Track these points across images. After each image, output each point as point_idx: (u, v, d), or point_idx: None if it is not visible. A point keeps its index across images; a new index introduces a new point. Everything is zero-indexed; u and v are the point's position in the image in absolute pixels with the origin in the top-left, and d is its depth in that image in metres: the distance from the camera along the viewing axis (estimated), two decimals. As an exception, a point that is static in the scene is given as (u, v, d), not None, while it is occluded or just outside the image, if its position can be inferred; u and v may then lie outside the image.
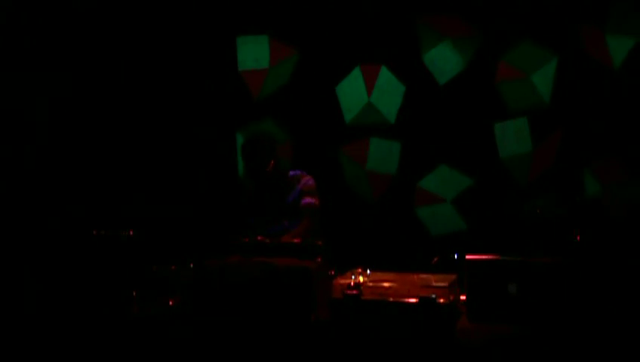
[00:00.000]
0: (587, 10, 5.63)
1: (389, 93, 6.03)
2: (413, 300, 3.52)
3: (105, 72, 6.21)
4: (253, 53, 6.19)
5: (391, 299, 3.55)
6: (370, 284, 3.71)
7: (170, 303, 3.82)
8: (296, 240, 3.89)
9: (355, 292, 3.54)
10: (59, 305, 3.86)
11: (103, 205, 5.88)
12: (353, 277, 3.69)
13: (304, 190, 4.66)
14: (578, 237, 4.06)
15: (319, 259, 3.70)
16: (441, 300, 3.50)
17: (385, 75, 6.03)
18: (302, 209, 4.60)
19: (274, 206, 4.66)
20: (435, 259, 4.06)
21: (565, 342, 3.33)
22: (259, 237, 3.89)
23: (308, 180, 4.73)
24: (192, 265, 3.94)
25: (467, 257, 3.55)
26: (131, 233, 4.17)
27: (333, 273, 3.87)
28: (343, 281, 3.68)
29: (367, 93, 6.06)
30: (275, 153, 4.75)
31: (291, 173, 4.82)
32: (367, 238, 5.98)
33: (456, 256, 3.93)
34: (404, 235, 5.97)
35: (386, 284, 3.72)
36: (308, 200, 4.61)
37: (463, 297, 3.70)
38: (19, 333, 3.81)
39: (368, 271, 3.98)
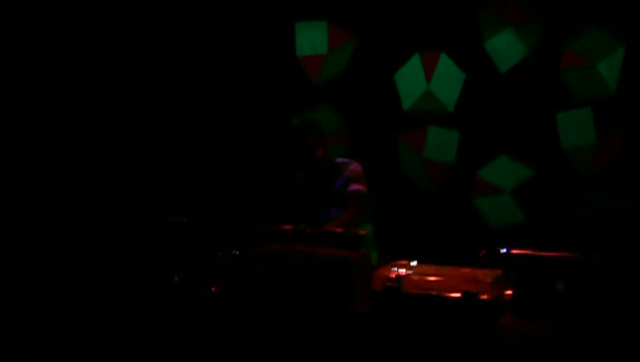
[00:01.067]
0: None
1: (448, 80, 5.92)
2: (455, 295, 3.44)
3: (166, 56, 6.26)
4: (311, 38, 6.16)
5: (432, 293, 3.47)
6: (414, 277, 3.63)
7: (213, 289, 3.82)
8: (339, 230, 3.84)
9: (395, 284, 3.47)
10: (104, 286, 3.90)
11: (157, 191, 5.95)
12: (395, 269, 3.62)
13: (351, 176, 4.61)
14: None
15: (362, 250, 3.64)
16: (484, 296, 3.40)
17: (445, 62, 5.92)
18: (348, 195, 4.56)
19: (321, 193, 4.62)
20: (483, 253, 3.95)
21: (609, 344, 3.21)
22: (302, 226, 3.84)
23: (355, 166, 4.68)
24: (236, 252, 3.94)
25: (513, 252, 3.45)
26: (182, 218, 4.19)
27: (376, 264, 3.82)
28: (385, 273, 3.61)
29: (426, 80, 5.96)
30: (323, 141, 4.70)
31: (339, 160, 4.78)
32: (423, 228, 5.90)
33: (504, 251, 3.82)
34: (462, 226, 5.87)
35: (430, 278, 3.63)
36: (355, 186, 4.56)
37: (508, 292, 3.59)
38: (65, 316, 3.87)
39: (414, 263, 3.91)
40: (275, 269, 3.62)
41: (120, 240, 4.10)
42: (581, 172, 5.65)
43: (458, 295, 3.44)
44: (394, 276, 3.52)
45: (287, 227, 3.82)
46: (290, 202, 4.71)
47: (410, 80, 5.99)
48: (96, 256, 4.05)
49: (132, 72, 6.22)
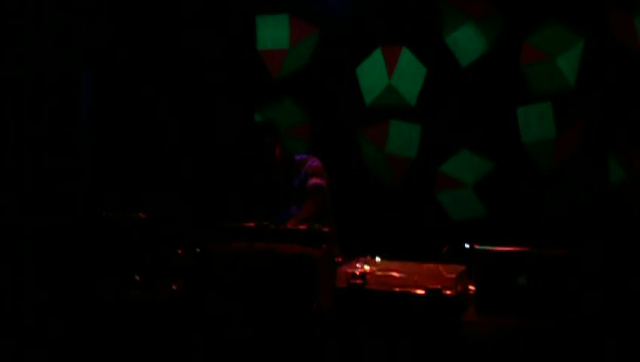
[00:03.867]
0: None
1: (410, 75, 5.92)
2: (419, 291, 3.44)
3: (118, 55, 6.18)
4: (272, 32, 6.11)
5: (396, 290, 3.47)
6: (378, 273, 3.62)
7: (174, 287, 3.77)
8: (302, 227, 3.81)
9: (359, 281, 3.46)
10: (61, 287, 3.83)
11: (115, 188, 5.87)
12: (359, 265, 3.61)
13: (309, 172, 4.62)
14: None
15: (325, 246, 3.62)
16: (448, 292, 3.41)
17: (406, 56, 5.92)
18: (308, 190, 4.56)
19: (281, 192, 4.60)
20: (446, 249, 3.96)
21: (575, 336, 3.23)
22: (265, 223, 3.81)
23: (313, 162, 4.68)
24: (197, 250, 3.89)
25: (476, 247, 3.45)
26: (142, 215, 4.13)
27: (340, 260, 3.80)
28: (349, 270, 3.60)
29: (387, 74, 5.95)
30: (280, 140, 4.72)
31: (297, 157, 4.78)
32: (385, 223, 5.90)
33: (467, 246, 3.83)
34: (425, 220, 5.88)
35: (394, 274, 3.63)
36: (313, 180, 4.57)
37: (472, 288, 3.61)
38: (20, 316, 3.80)
39: (378, 259, 3.91)
40: (238, 267, 3.58)
41: (78, 238, 4.04)
42: (541, 165, 5.69)
43: (422, 291, 3.44)
44: (358, 273, 3.51)
45: (250, 224, 3.78)
46: (253, 201, 4.69)
47: (372, 74, 5.98)
48: (53, 254, 3.98)
49: (92, 62, 6.13)
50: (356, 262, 3.72)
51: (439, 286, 3.44)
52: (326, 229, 3.73)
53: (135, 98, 6.19)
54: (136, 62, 6.20)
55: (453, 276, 3.53)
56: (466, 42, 5.80)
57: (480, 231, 5.68)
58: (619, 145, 5.52)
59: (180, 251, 3.97)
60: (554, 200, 5.62)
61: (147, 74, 6.19)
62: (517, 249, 3.41)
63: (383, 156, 5.98)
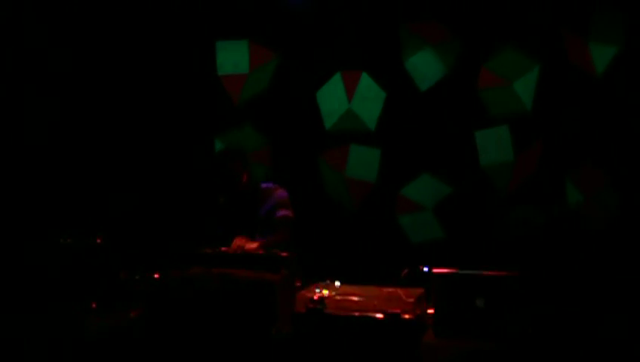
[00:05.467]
0: (570, 17, 5.55)
1: (369, 99, 5.96)
2: (378, 315, 3.43)
3: (83, 74, 6.14)
4: (232, 57, 6.12)
5: (356, 314, 3.46)
6: (338, 298, 3.62)
7: (132, 314, 3.73)
8: (260, 252, 3.80)
9: (318, 306, 3.45)
10: (18, 314, 3.77)
11: (73, 210, 5.81)
12: (318, 290, 3.60)
13: (278, 202, 4.58)
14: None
15: (283, 271, 3.60)
16: (407, 316, 3.41)
17: (366, 81, 5.96)
18: (277, 221, 4.52)
19: (246, 219, 4.57)
20: (405, 272, 3.97)
21: (531, 358, 3.24)
22: (222, 248, 3.79)
23: (281, 193, 4.65)
24: (156, 275, 3.86)
25: (433, 271, 3.46)
26: (99, 240, 4.08)
27: (299, 285, 3.79)
28: (308, 294, 3.59)
29: (347, 99, 5.98)
30: (248, 167, 4.69)
31: (263, 185, 4.74)
32: (345, 247, 5.90)
33: (426, 269, 3.84)
34: (384, 244, 5.89)
35: (353, 298, 3.63)
36: (282, 212, 4.53)
37: (430, 311, 3.61)
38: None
39: (337, 284, 3.91)
40: (195, 292, 3.55)
41: (31, 263, 3.98)
42: (500, 188, 5.74)
43: (381, 315, 3.43)
44: (317, 297, 3.50)
45: (207, 250, 3.76)
46: (214, 226, 4.65)
47: (331, 99, 6.02)
48: (10, 281, 3.92)
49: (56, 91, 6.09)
50: (315, 287, 3.71)
51: (398, 311, 3.44)
52: (284, 254, 3.72)
53: (95, 121, 6.14)
54: (96, 86, 6.15)
55: (412, 299, 3.54)
56: (425, 67, 5.86)
57: (439, 254, 5.72)
58: (575, 167, 5.59)
59: (137, 277, 3.93)
60: (512, 222, 5.67)
61: (108, 98, 6.15)
62: (474, 272, 3.43)
63: (343, 180, 5.99)
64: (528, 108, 5.69)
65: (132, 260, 4.14)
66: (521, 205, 5.64)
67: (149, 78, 6.17)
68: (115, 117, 6.15)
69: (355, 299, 3.60)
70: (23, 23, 5.92)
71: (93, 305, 3.78)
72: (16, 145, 5.89)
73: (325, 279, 3.94)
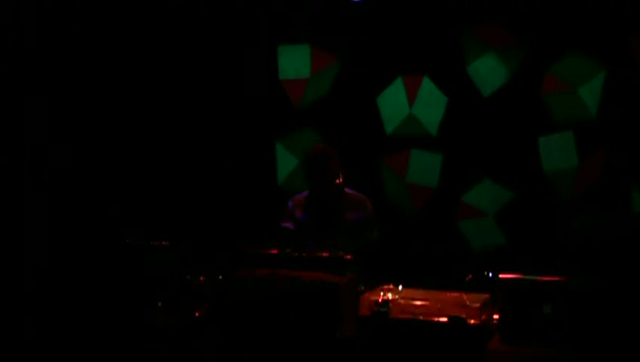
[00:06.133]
0: (636, 21, 5.46)
1: (431, 104, 5.93)
2: (443, 320, 3.42)
3: (145, 83, 6.23)
4: (294, 62, 6.16)
5: (420, 318, 3.45)
6: (401, 301, 3.61)
7: (197, 314, 3.77)
8: (325, 254, 3.81)
9: (383, 309, 3.44)
10: (85, 314, 3.84)
11: (142, 214, 5.90)
12: (382, 293, 3.59)
13: (373, 219, 4.72)
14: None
15: (349, 274, 3.61)
16: (472, 321, 3.39)
17: (427, 85, 5.93)
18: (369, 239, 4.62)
19: (330, 223, 4.61)
20: (470, 277, 3.94)
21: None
22: (288, 250, 3.81)
23: (371, 206, 4.73)
24: (221, 277, 3.90)
25: (500, 276, 3.43)
26: (165, 243, 4.13)
27: (362, 288, 3.79)
28: (372, 297, 3.59)
29: (408, 104, 5.97)
30: (342, 169, 4.73)
31: (347, 190, 4.76)
32: (407, 252, 5.87)
33: (490, 275, 3.81)
34: (445, 249, 5.85)
35: (417, 302, 3.62)
36: (377, 233, 4.68)
37: (496, 317, 3.58)
38: (43, 339, 3.80)
39: (400, 287, 3.90)
40: (261, 294, 3.58)
41: (102, 265, 4.05)
42: (563, 195, 5.67)
43: (445, 319, 3.42)
44: (381, 300, 3.49)
45: (273, 251, 3.78)
46: (296, 229, 4.68)
47: (392, 103, 6.00)
48: (79, 281, 3.99)
49: (112, 93, 6.18)
50: (379, 290, 3.71)
51: (463, 315, 3.41)
52: (349, 257, 3.72)
53: (161, 126, 6.23)
54: (160, 92, 6.24)
55: (478, 305, 3.51)
56: (488, 72, 5.81)
57: (500, 260, 5.66)
58: (641, 175, 5.50)
59: (202, 277, 3.97)
60: (576, 229, 5.58)
61: (174, 101, 6.23)
62: (541, 278, 3.39)
63: (404, 185, 5.98)
64: (593, 114, 5.61)
65: (197, 261, 4.18)
66: (586, 212, 5.56)
67: (214, 81, 6.23)
68: (182, 120, 6.22)
69: (419, 302, 3.59)
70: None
71: (159, 304, 3.83)
72: (85, 146, 5.99)
73: (389, 282, 3.93)
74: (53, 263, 4.84)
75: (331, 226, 4.62)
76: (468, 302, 3.57)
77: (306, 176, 4.73)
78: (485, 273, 3.82)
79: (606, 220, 5.41)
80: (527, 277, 3.43)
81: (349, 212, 4.68)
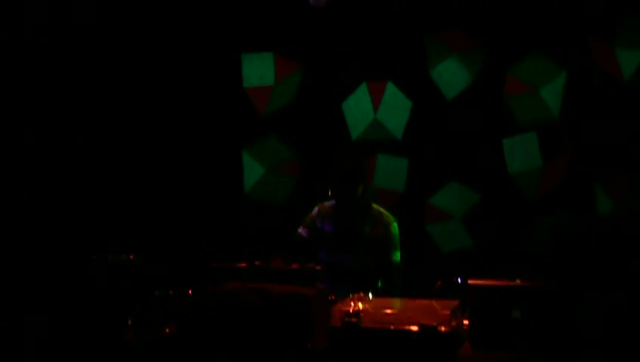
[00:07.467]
0: (596, 22, 5.53)
1: (395, 108, 5.96)
2: (414, 328, 3.42)
3: (106, 90, 6.17)
4: (258, 69, 6.14)
5: (391, 328, 3.45)
6: (372, 311, 3.61)
7: (167, 330, 3.73)
8: (294, 266, 3.79)
9: (354, 320, 3.44)
10: (52, 331, 3.79)
11: (105, 228, 5.83)
12: (352, 304, 3.59)
13: (395, 237, 4.63)
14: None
15: (318, 285, 3.61)
16: (443, 328, 3.40)
17: (391, 90, 5.96)
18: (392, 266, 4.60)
19: (348, 235, 4.57)
20: (439, 284, 3.96)
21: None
22: (257, 262, 3.79)
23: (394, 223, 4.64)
24: (190, 291, 3.86)
25: (469, 282, 3.45)
26: (132, 257, 4.09)
27: (333, 298, 3.79)
28: (343, 308, 3.59)
29: (373, 109, 5.99)
30: (366, 178, 4.65)
31: (374, 204, 4.73)
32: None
33: (459, 280, 3.83)
34: (414, 253, 5.87)
35: (387, 311, 3.62)
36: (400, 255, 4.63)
37: (466, 323, 3.59)
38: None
39: (370, 296, 3.90)
40: (230, 308, 3.56)
41: (67, 284, 4.00)
42: (528, 196, 5.72)
43: (416, 328, 3.42)
44: (352, 311, 3.49)
45: (242, 264, 3.77)
46: (309, 238, 4.64)
47: (357, 109, 6.02)
48: (43, 301, 3.94)
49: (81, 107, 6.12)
50: (350, 300, 3.71)
51: (434, 323, 3.42)
52: (318, 268, 3.72)
53: (123, 136, 6.17)
54: (122, 102, 6.18)
55: (448, 312, 3.52)
56: (451, 75, 5.85)
57: (468, 263, 5.70)
58: (605, 174, 5.55)
59: (171, 292, 3.93)
60: (541, 230, 5.64)
61: (133, 112, 6.18)
62: (511, 283, 3.41)
63: (372, 190, 5.99)
64: (556, 115, 5.67)
65: (165, 276, 4.15)
66: (550, 213, 5.62)
67: (176, 90, 6.19)
68: (146, 130, 6.16)
69: (390, 311, 3.59)
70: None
71: (129, 322, 3.78)
72: (48, 159, 5.92)
73: (359, 292, 3.94)
74: (16, 283, 4.77)
75: (352, 239, 4.56)
76: (438, 309, 3.58)
77: (335, 185, 4.53)
78: (454, 279, 3.83)
79: (570, 221, 5.47)
80: (496, 283, 3.44)
81: (372, 228, 4.60)
